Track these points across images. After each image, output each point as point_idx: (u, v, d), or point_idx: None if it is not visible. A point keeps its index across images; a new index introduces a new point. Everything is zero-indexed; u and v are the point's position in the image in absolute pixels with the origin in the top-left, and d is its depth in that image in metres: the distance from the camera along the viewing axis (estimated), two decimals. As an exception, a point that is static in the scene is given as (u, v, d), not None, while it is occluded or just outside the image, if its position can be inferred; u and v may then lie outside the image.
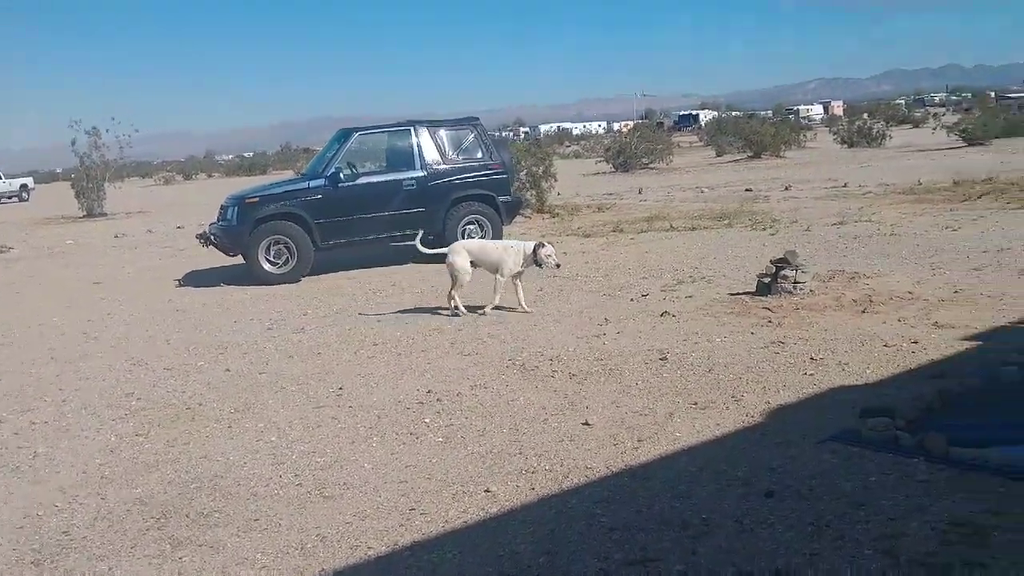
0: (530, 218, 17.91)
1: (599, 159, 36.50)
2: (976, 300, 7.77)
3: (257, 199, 12.57)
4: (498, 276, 8.91)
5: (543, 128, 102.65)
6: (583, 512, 4.21)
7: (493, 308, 8.91)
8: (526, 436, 5.35)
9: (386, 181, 12.81)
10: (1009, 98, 59.82)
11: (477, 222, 13.06)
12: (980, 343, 6.43)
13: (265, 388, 6.87)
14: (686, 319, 8.03)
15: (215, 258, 14.13)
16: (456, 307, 8.96)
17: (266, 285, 12.00)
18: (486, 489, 4.57)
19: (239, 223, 12.33)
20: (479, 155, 13.25)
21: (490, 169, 13.21)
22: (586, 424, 5.46)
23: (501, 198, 13.25)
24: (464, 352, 7.52)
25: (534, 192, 19.04)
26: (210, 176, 75.31)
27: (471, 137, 13.32)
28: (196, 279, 13.26)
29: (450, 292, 9.02)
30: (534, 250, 8.75)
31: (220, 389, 6.94)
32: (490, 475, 4.78)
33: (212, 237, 12.83)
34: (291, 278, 12.23)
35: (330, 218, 12.44)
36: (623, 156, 33.94)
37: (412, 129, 13.09)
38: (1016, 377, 5.52)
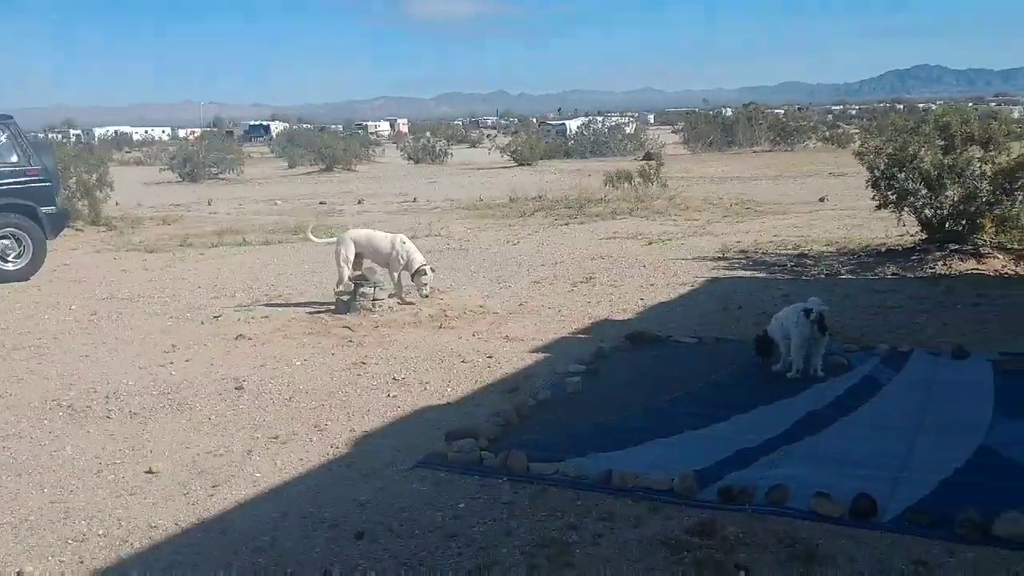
0: (82, 231, 15.97)
1: (164, 167, 34.08)
2: (540, 312, 8.29)
3: None
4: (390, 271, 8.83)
5: (98, 131, 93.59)
6: (147, 584, 3.59)
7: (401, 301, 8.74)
8: (74, 494, 4.52)
9: None
10: (549, 125, 67.26)
11: (14, 236, 11.19)
12: (547, 355, 6.80)
13: None
14: (263, 342, 7.53)
15: None
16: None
17: None
18: (18, 571, 3.71)
19: None
20: (14, 159, 11.39)
21: (28, 175, 11.44)
22: (150, 472, 4.76)
23: (44, 209, 11.50)
24: (-6, 394, 6.29)
25: (86, 202, 17.07)
26: None
27: (3, 138, 11.42)
28: None
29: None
30: (416, 270, 8.69)
31: None
32: (24, 552, 3.91)
33: None
34: None
35: None
36: (190, 165, 32.00)
37: (-77, 125, 10.88)
38: (578, 388, 5.89)
